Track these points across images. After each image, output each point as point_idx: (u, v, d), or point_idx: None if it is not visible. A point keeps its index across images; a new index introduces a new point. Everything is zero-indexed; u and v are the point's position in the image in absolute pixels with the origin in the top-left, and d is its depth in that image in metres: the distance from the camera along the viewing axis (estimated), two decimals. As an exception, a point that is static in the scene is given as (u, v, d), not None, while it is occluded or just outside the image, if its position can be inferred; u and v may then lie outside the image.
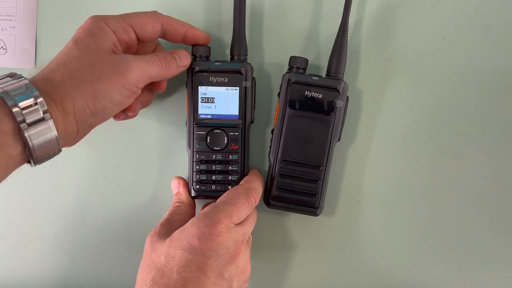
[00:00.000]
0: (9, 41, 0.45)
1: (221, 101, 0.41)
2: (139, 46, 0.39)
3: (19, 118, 0.29)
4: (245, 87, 0.40)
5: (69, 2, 0.45)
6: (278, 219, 0.45)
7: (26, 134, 0.29)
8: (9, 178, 0.45)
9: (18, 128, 0.29)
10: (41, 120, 0.29)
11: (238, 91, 0.40)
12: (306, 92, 0.40)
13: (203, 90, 0.40)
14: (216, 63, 0.40)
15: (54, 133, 0.30)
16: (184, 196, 0.42)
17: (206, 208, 0.37)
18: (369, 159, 0.44)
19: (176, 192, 0.42)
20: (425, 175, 0.44)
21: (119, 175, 0.45)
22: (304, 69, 0.40)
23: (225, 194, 0.38)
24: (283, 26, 0.44)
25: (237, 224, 0.36)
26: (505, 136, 0.44)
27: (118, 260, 0.46)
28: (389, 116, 0.44)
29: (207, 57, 0.41)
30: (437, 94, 0.43)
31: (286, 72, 0.41)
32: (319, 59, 0.43)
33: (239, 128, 0.41)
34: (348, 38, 0.41)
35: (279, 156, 0.41)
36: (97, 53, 0.33)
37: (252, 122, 0.42)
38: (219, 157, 0.41)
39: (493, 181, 0.44)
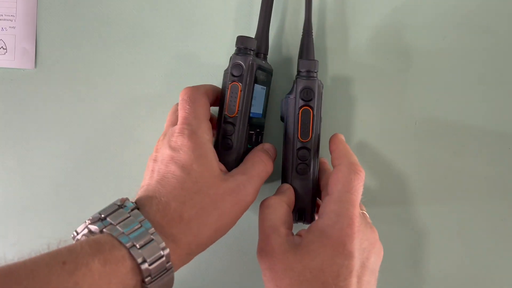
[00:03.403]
0: (9, 41, 0.45)
1: (258, 99, 0.40)
2: None
3: (146, 273, 0.27)
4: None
5: (69, 2, 0.45)
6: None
7: (148, 287, 0.28)
8: (9, 178, 0.46)
9: (141, 281, 0.28)
10: (164, 270, 0.28)
11: (265, 90, 0.40)
12: None
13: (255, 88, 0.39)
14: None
15: (172, 279, 0.29)
16: (285, 196, 0.37)
17: (331, 205, 0.33)
18: (369, 159, 0.44)
19: (278, 188, 0.38)
20: (425, 175, 0.44)
21: (119, 176, 0.45)
22: None
23: (334, 182, 0.35)
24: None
25: None
26: (505, 136, 0.44)
27: (118, 260, 0.46)
28: (389, 116, 0.44)
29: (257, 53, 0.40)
30: (437, 94, 0.43)
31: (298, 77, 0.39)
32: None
33: (263, 127, 0.41)
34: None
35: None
36: (214, 183, 0.32)
37: None
38: None
39: (493, 181, 0.44)
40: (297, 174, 0.38)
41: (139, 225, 0.28)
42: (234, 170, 0.35)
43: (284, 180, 0.39)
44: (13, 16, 0.45)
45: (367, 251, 0.33)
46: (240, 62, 0.37)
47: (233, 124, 0.37)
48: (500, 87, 0.43)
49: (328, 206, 0.34)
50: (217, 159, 0.34)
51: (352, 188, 0.34)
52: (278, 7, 0.43)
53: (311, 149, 0.38)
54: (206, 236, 0.31)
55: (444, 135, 0.44)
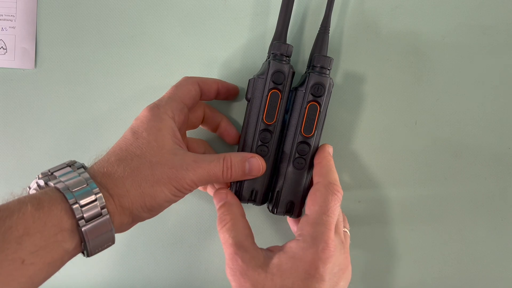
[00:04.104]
0: (9, 41, 0.45)
1: None
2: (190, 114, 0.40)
3: (79, 215, 0.29)
4: None
5: (69, 2, 0.45)
6: (279, 219, 0.45)
7: (83, 230, 0.29)
8: (9, 178, 0.46)
9: (76, 224, 0.29)
10: (99, 215, 0.30)
11: None
12: None
13: None
14: None
15: (110, 228, 0.30)
16: (236, 207, 0.37)
17: (308, 228, 0.34)
18: (369, 159, 0.44)
19: (222, 203, 0.37)
20: (424, 175, 0.44)
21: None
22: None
23: (311, 202, 0.35)
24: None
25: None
26: (505, 136, 0.44)
27: (118, 260, 0.46)
28: (389, 116, 0.44)
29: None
30: (437, 94, 0.43)
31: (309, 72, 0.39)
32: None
33: None
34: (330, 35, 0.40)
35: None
36: (160, 153, 0.33)
37: None
38: None
39: (493, 181, 0.44)
40: (293, 167, 0.38)
41: (79, 176, 0.30)
42: (195, 154, 0.35)
43: (278, 170, 0.39)
44: (13, 16, 0.45)
45: (337, 276, 0.34)
46: (282, 70, 0.37)
47: (271, 132, 0.38)
48: (500, 87, 0.43)
49: (304, 228, 0.34)
50: (177, 136, 0.35)
51: (329, 210, 0.34)
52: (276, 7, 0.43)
53: (311, 145, 0.38)
54: (138, 197, 0.31)
55: (444, 135, 0.44)
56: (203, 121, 0.42)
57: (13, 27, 0.45)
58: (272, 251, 0.35)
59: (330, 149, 0.39)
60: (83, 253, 0.30)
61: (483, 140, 0.44)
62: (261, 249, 0.35)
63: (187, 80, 0.38)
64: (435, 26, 0.43)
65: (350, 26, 0.43)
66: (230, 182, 0.40)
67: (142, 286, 0.46)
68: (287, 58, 0.38)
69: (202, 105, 0.41)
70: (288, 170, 0.38)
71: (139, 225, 0.45)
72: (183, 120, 0.37)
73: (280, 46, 0.38)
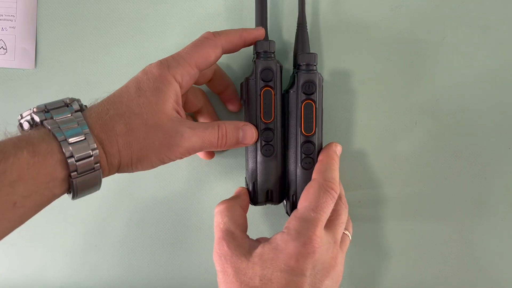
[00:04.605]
0: (9, 41, 0.45)
1: None
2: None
3: (72, 168, 0.29)
4: None
5: (69, 2, 0.45)
6: (279, 219, 0.45)
7: (74, 181, 0.30)
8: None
9: (69, 175, 0.29)
10: (91, 169, 0.30)
11: None
12: None
13: None
14: None
15: (99, 179, 0.31)
16: (240, 199, 0.38)
17: (294, 222, 0.34)
18: (369, 159, 0.44)
19: (236, 195, 0.40)
20: (425, 175, 0.44)
21: (118, 175, 0.45)
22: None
23: (304, 197, 0.35)
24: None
25: (325, 228, 0.35)
26: (505, 136, 0.44)
27: (118, 260, 0.46)
28: (389, 116, 0.44)
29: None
30: (437, 94, 0.43)
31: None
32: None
33: None
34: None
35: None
36: (157, 116, 0.32)
37: None
38: None
39: (493, 181, 0.44)
40: (302, 168, 0.38)
41: (76, 124, 0.30)
42: (191, 121, 0.35)
43: (287, 174, 0.39)
44: (13, 16, 0.45)
45: (321, 274, 0.34)
46: (269, 66, 0.37)
47: (272, 130, 0.38)
48: (500, 87, 0.43)
49: (291, 221, 0.34)
50: (178, 102, 0.34)
51: (318, 207, 0.34)
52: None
53: (315, 143, 0.38)
54: (126, 157, 0.32)
55: (444, 135, 0.44)
56: (209, 82, 0.41)
57: (13, 27, 0.45)
58: (259, 242, 0.35)
59: (336, 148, 0.39)
60: (67, 194, 0.31)
61: (483, 140, 0.44)
62: (250, 239, 0.36)
63: (210, 42, 0.35)
64: (435, 26, 0.43)
65: (350, 27, 0.43)
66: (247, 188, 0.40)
67: (142, 286, 0.46)
68: (272, 54, 0.38)
69: (213, 67, 0.40)
70: (298, 172, 0.38)
71: (139, 225, 0.46)
72: (191, 85, 0.36)
73: (262, 44, 0.38)
